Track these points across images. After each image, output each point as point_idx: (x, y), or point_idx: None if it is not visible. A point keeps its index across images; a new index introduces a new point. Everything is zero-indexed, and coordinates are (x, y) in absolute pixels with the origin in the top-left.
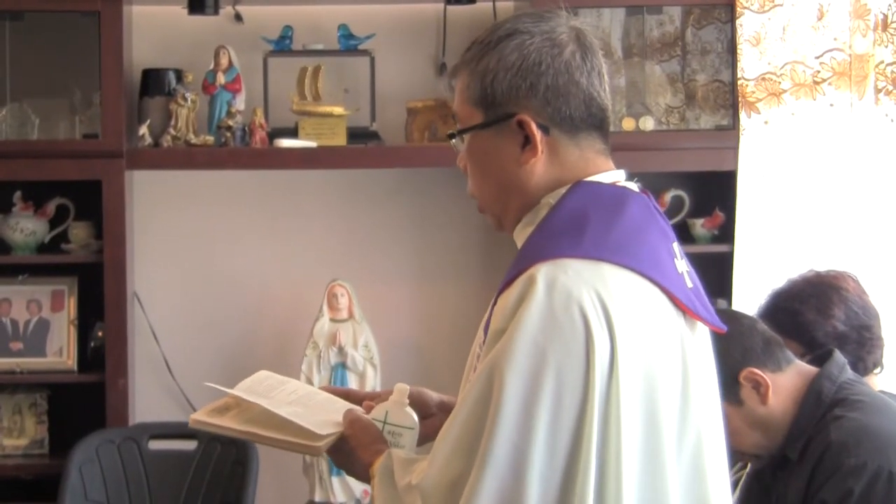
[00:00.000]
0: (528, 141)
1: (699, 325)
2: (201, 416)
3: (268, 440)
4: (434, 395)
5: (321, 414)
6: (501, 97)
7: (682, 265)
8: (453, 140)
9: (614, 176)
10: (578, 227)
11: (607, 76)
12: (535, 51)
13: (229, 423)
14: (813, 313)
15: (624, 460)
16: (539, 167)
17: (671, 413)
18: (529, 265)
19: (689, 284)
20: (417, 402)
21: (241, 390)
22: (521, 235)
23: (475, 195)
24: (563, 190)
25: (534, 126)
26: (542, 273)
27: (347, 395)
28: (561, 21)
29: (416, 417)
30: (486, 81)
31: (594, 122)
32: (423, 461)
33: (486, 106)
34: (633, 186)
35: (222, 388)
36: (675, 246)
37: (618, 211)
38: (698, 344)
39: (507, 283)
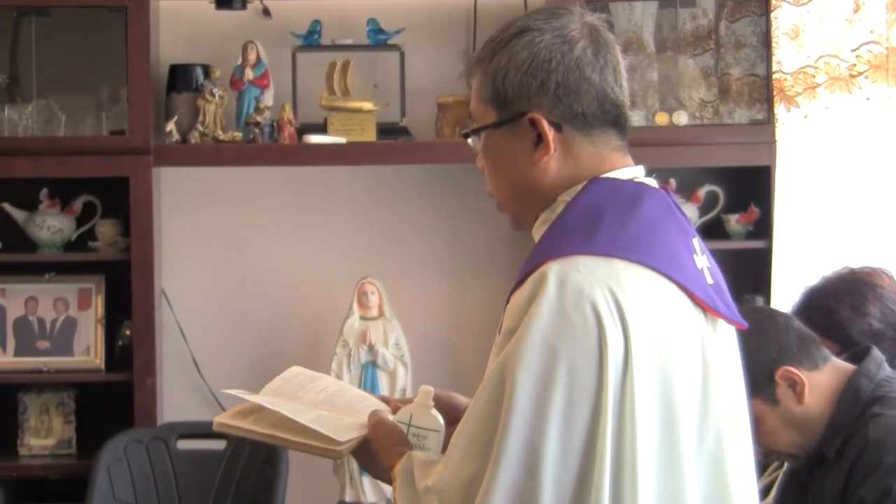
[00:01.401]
0: (540, 139)
1: (721, 322)
2: (226, 419)
3: (291, 444)
4: (464, 400)
5: (347, 415)
6: (513, 95)
7: (703, 261)
8: (469, 139)
9: (632, 172)
10: (592, 224)
11: (625, 72)
12: (545, 48)
13: (253, 427)
14: (848, 311)
15: (640, 460)
16: (553, 165)
17: (690, 412)
18: (541, 263)
19: (710, 281)
20: (447, 407)
21: (268, 392)
22: (538, 233)
23: (493, 194)
24: (579, 187)
25: (545, 124)
26: (554, 270)
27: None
28: (574, 17)
29: (441, 420)
30: (497, 80)
31: (608, 118)
32: (441, 463)
33: (499, 105)
34: (652, 182)
35: (244, 396)
36: (696, 241)
37: (633, 207)
38: (720, 342)
39: (519, 282)
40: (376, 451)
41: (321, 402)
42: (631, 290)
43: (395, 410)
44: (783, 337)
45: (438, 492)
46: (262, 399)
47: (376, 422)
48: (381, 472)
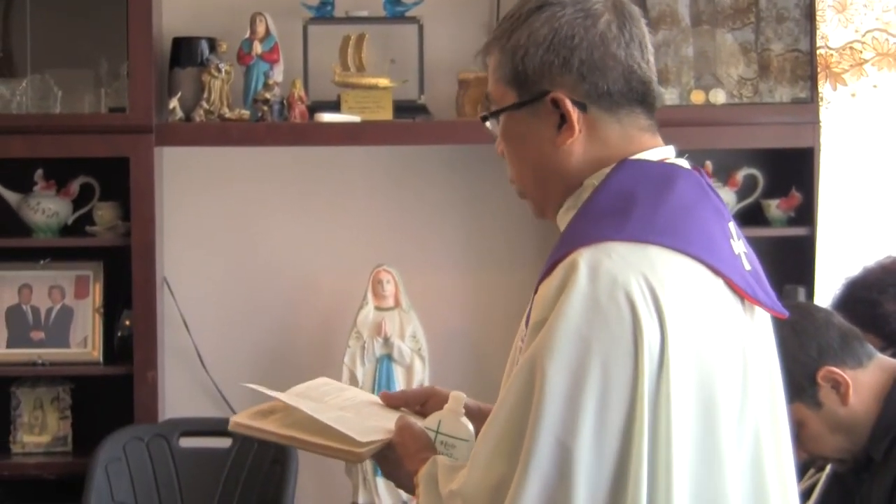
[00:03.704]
0: (564, 120)
1: (758, 310)
2: (242, 419)
3: (309, 445)
4: None
5: (372, 421)
6: (534, 74)
7: (739, 246)
8: (488, 123)
9: (662, 153)
10: (623, 209)
11: (651, 46)
12: (566, 23)
13: (270, 427)
14: (892, 303)
15: (675, 460)
16: (578, 147)
17: (730, 407)
18: (571, 250)
19: (748, 267)
20: (482, 419)
21: (291, 394)
22: (563, 220)
23: (514, 180)
24: (606, 170)
25: (569, 104)
26: (585, 258)
27: (406, 397)
28: None
29: (471, 428)
30: (516, 59)
31: (635, 96)
32: (466, 466)
33: (519, 85)
34: (684, 163)
35: (267, 391)
36: (732, 226)
37: (666, 190)
38: (758, 331)
39: (548, 271)
40: (401, 457)
41: (345, 409)
42: (667, 279)
43: (398, 403)
44: (823, 335)
45: (464, 496)
46: (282, 395)
47: (402, 426)
48: (405, 479)
